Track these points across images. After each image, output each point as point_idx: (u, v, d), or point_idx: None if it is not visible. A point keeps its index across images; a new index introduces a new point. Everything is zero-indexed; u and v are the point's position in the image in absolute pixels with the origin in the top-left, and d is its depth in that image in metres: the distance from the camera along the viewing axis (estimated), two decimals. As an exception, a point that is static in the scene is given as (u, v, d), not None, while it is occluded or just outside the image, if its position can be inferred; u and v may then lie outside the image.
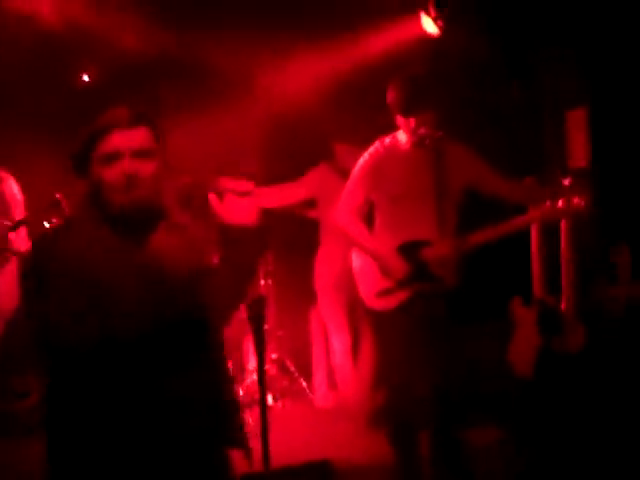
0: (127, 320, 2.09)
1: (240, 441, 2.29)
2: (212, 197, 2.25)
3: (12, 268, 4.28)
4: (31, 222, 4.04)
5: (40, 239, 2.32)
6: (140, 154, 2.16)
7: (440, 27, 5.01)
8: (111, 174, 2.14)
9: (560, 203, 3.78)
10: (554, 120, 5.04)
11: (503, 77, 5.19)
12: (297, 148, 5.49)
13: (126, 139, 2.15)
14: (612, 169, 4.74)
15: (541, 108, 5.16)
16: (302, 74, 5.39)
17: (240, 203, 2.24)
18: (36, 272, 2.16)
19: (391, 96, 3.75)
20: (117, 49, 5.32)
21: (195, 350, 2.19)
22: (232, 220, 2.21)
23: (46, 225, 3.96)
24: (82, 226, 2.20)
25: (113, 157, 2.14)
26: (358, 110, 4.91)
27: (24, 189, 4.36)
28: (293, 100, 5.40)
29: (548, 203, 3.79)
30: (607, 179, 4.70)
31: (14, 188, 4.29)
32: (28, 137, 5.02)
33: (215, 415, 2.22)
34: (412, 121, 3.70)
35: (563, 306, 4.08)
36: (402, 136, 3.81)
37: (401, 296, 3.74)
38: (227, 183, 4.71)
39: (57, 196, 3.97)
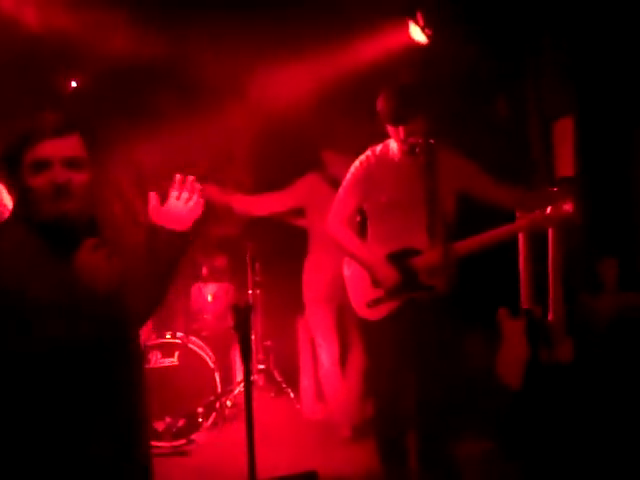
0: (45, 334, 2.01)
1: None
2: (153, 196, 2.23)
3: None
4: None
5: None
6: (71, 163, 2.08)
7: (428, 36, 5.02)
8: (40, 182, 2.06)
9: (549, 210, 3.79)
10: (541, 130, 5.05)
11: (490, 87, 5.20)
12: (286, 156, 5.48)
13: (57, 147, 2.07)
14: (599, 179, 4.76)
15: (527, 118, 5.17)
16: (292, 82, 5.38)
17: (179, 208, 2.24)
18: None
19: (381, 105, 3.75)
20: (105, 55, 5.31)
21: (113, 372, 2.14)
22: (163, 222, 2.21)
23: None
24: (10, 233, 2.12)
25: (43, 165, 2.06)
26: (348, 118, 4.89)
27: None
28: (283, 108, 5.39)
29: (537, 211, 3.81)
30: (594, 189, 4.72)
31: (3, 194, 4.23)
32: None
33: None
34: (402, 130, 3.70)
35: (550, 317, 4.08)
36: (393, 144, 3.81)
37: (391, 305, 3.74)
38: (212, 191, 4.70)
39: None
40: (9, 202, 4.16)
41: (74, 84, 5.63)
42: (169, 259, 2.23)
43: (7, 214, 4.00)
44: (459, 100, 5.05)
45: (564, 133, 4.94)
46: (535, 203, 3.83)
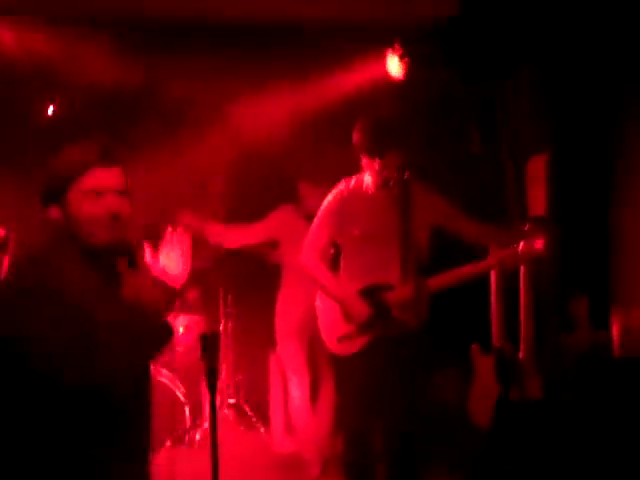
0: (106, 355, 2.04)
1: None
2: (147, 246, 2.24)
3: None
4: None
5: (22, 265, 2.25)
6: (122, 192, 2.17)
7: (406, 66, 5.02)
8: (95, 210, 2.12)
9: (520, 247, 3.82)
10: (514, 168, 5.09)
11: (464, 122, 5.24)
12: (262, 188, 5.47)
13: (111, 176, 2.15)
14: (572, 219, 4.79)
15: (500, 155, 5.21)
16: (269, 113, 5.39)
17: (172, 265, 2.23)
18: (19, 298, 2.08)
19: (357, 137, 3.78)
20: (82, 82, 5.30)
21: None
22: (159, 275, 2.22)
23: None
24: (60, 257, 2.13)
25: (98, 192, 2.12)
26: (325, 150, 4.91)
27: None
28: (260, 139, 5.40)
29: (509, 248, 3.84)
30: (566, 228, 4.75)
31: None
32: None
33: None
34: (377, 162, 3.72)
35: (521, 354, 4.08)
36: (367, 178, 3.82)
37: (362, 341, 3.72)
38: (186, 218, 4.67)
39: (2, 232, 3.86)
40: None
41: (51, 110, 5.60)
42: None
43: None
44: (434, 134, 5.09)
45: (537, 172, 4.98)
46: (507, 240, 3.86)
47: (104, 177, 2.14)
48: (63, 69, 5.29)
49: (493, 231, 3.95)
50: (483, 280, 4.14)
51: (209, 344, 2.52)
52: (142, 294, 2.16)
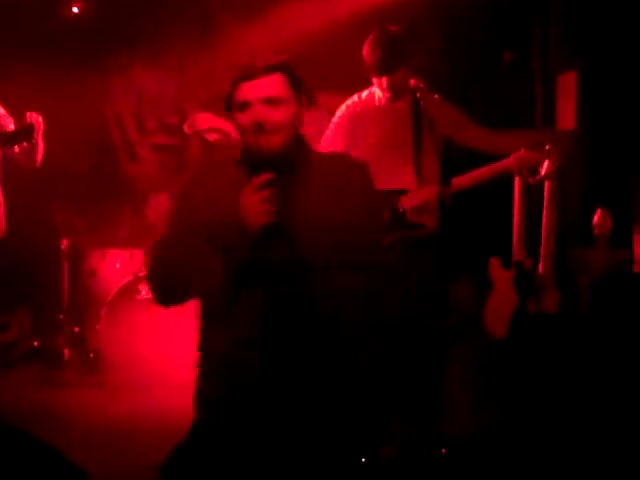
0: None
1: None
2: None
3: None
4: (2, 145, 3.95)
5: (189, 174, 2.55)
6: (270, 101, 2.27)
7: None
8: (244, 119, 2.29)
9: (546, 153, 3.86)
10: (545, 82, 5.02)
11: (496, 36, 5.14)
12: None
13: (256, 88, 2.27)
14: (601, 133, 4.74)
15: (532, 70, 5.13)
16: (297, 19, 5.30)
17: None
18: (179, 203, 2.38)
19: (366, 53, 3.77)
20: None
21: None
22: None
23: (16, 150, 3.89)
24: (226, 165, 2.42)
25: (245, 105, 2.28)
26: (334, 62, 4.84)
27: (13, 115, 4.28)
28: (279, 49, 5.30)
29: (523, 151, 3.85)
30: (595, 143, 4.71)
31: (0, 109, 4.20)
32: (12, 62, 4.97)
33: None
34: (385, 80, 3.72)
35: (540, 268, 4.10)
36: (378, 91, 3.84)
37: None
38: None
39: (29, 120, 3.87)
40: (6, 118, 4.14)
41: (75, 10, 5.56)
42: None
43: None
44: (463, 48, 5.00)
45: (567, 86, 4.91)
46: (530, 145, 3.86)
47: (250, 89, 2.27)
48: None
49: (514, 137, 3.95)
50: (505, 194, 4.14)
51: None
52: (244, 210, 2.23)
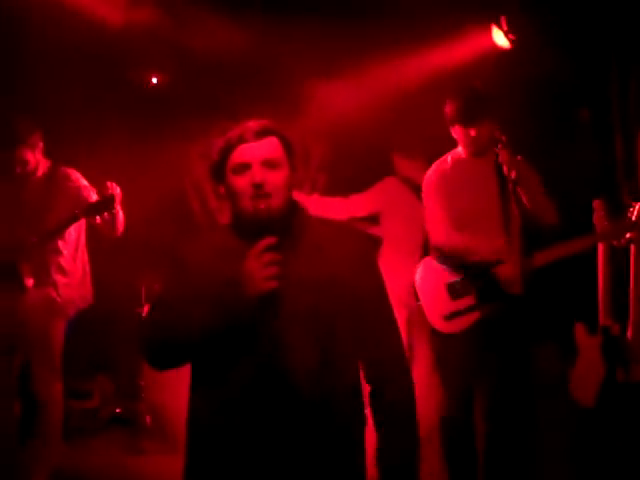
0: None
1: None
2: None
3: (82, 267, 4.36)
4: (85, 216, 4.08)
5: (182, 238, 2.47)
6: (268, 164, 2.24)
7: (511, 40, 4.92)
8: (241, 183, 2.24)
9: (630, 222, 3.76)
10: (625, 140, 4.92)
11: (573, 93, 5.08)
12: (358, 158, 5.46)
13: (255, 150, 2.25)
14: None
15: (611, 127, 5.04)
16: (366, 85, 5.34)
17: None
18: (173, 265, 2.33)
19: (449, 107, 3.77)
20: (187, 52, 5.39)
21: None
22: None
23: (98, 220, 4.02)
24: (220, 231, 2.38)
25: (244, 167, 2.24)
26: (419, 122, 4.85)
27: (94, 187, 4.42)
28: (354, 111, 5.36)
29: (610, 226, 3.79)
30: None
31: (81, 182, 4.35)
32: (99, 137, 5.13)
33: None
34: (472, 131, 3.70)
35: (629, 335, 3.98)
36: (461, 150, 3.83)
37: (471, 318, 3.74)
38: None
39: (110, 192, 4.00)
40: (87, 190, 4.29)
41: (154, 80, 5.72)
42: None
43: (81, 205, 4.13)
44: (539, 106, 4.95)
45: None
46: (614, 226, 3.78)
47: (249, 151, 2.24)
48: (166, 38, 5.39)
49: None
50: (590, 256, 4.05)
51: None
52: (246, 276, 2.17)
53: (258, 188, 2.21)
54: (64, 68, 5.03)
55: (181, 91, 5.69)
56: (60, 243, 4.24)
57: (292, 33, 5.11)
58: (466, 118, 3.72)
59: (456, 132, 3.81)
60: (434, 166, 3.90)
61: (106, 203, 4.00)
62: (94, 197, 4.17)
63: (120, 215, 4.13)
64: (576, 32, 4.81)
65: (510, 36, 4.88)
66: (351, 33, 5.07)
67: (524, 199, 3.74)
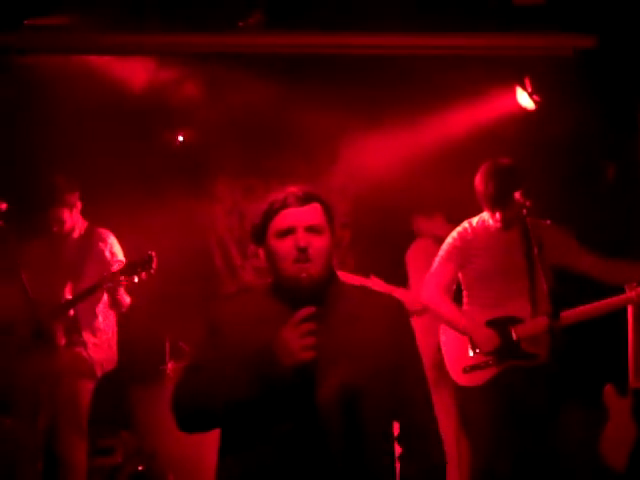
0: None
1: None
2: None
3: (110, 328, 4.39)
4: (121, 278, 4.12)
5: (219, 302, 2.48)
6: (312, 229, 2.26)
7: (536, 102, 4.96)
8: (284, 246, 2.25)
9: None
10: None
11: (600, 153, 5.09)
12: (378, 218, 5.48)
13: (300, 215, 2.27)
14: None
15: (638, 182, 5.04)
16: (386, 147, 5.39)
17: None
18: (208, 327, 2.32)
19: (478, 185, 3.82)
20: (212, 109, 5.47)
21: None
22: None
23: (136, 280, 4.06)
24: (256, 294, 2.37)
25: (288, 231, 2.25)
26: (440, 182, 4.88)
27: (123, 245, 4.47)
28: (375, 172, 5.40)
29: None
30: None
31: (115, 246, 4.39)
32: (126, 195, 5.18)
33: None
34: (498, 214, 3.78)
35: (660, 397, 3.94)
36: (488, 218, 3.88)
37: (490, 372, 3.75)
38: None
39: (149, 253, 4.05)
40: (120, 253, 4.34)
41: (181, 138, 5.79)
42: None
43: (118, 264, 4.19)
44: (566, 166, 4.97)
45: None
46: None
47: (294, 216, 2.26)
48: (193, 97, 5.49)
49: (628, 268, 3.86)
50: (620, 317, 4.03)
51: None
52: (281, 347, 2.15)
53: (303, 252, 2.22)
54: (95, 129, 5.10)
55: (207, 149, 5.75)
56: (92, 303, 4.27)
57: (316, 96, 5.19)
58: (493, 203, 3.80)
59: (485, 208, 3.86)
60: (460, 227, 3.94)
61: (145, 263, 4.05)
62: (118, 262, 4.25)
63: (124, 294, 4.23)
64: (602, 89, 4.83)
65: (535, 97, 4.92)
66: (377, 95, 5.15)
67: (554, 261, 3.75)
